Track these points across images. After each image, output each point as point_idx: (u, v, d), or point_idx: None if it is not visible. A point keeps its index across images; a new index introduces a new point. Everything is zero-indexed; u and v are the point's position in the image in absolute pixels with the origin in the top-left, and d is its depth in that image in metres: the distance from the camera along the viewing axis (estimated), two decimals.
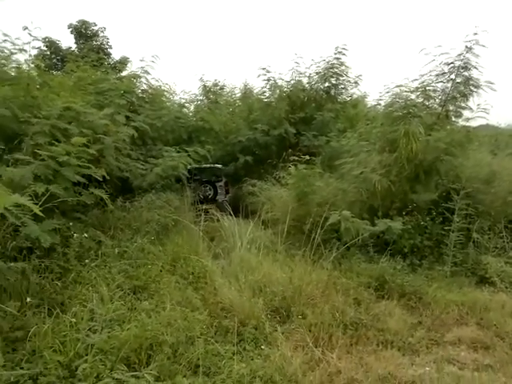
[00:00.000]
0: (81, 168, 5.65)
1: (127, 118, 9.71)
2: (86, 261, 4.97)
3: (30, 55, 7.57)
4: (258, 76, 13.68)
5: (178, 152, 9.39)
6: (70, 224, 5.34)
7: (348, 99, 14.68)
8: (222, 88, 19.67)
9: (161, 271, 5.65)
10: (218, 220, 8.61)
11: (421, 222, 7.26)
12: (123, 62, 21.53)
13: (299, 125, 13.38)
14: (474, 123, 8.60)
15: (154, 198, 7.62)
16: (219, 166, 12.56)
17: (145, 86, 11.77)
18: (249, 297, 4.95)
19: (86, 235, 5.30)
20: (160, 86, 12.36)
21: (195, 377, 3.47)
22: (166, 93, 12.90)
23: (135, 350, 3.57)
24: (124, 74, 11.09)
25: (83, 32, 25.27)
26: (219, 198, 11.60)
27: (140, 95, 11.18)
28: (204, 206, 10.70)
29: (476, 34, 7.82)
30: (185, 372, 3.49)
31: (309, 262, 6.39)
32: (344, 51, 13.35)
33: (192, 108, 16.63)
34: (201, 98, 18.52)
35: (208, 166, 12.22)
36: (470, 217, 7.31)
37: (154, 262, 5.81)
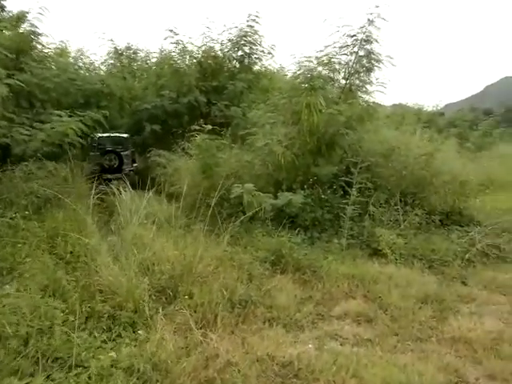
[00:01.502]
0: None
1: (10, 76, 8.52)
2: None
3: None
4: (165, 38, 12.84)
5: (70, 117, 8.44)
6: None
7: (262, 70, 14.37)
8: (135, 52, 18.31)
9: (34, 250, 4.98)
10: (119, 192, 7.93)
11: (322, 195, 7.26)
12: (21, 16, 19.13)
13: (211, 94, 12.88)
14: (387, 101, 8.81)
15: (33, 167, 6.72)
16: (125, 135, 11.78)
17: (34, 43, 10.45)
18: (131, 277, 4.50)
19: None
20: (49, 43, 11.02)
21: (43, 373, 2.99)
22: (59, 51, 11.58)
23: None
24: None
25: None
26: (125, 168, 10.88)
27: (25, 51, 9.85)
28: (108, 176, 9.97)
29: (378, 6, 7.84)
30: (30, 368, 2.99)
31: (208, 237, 6.09)
32: (257, 19, 12.96)
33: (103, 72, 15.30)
34: (112, 61, 17.10)
35: (113, 135, 11.43)
36: (369, 190, 7.46)
37: (26, 240, 5.11)
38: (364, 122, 8.38)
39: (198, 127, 8.11)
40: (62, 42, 12.31)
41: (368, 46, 8.44)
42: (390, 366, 3.41)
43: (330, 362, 3.44)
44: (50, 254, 5.06)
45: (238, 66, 13.75)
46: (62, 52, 13.42)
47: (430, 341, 3.94)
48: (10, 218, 5.41)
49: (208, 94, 12.79)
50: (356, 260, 5.93)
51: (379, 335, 4.00)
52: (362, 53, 8.52)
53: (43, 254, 4.92)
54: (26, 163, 6.89)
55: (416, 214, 7.13)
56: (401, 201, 7.47)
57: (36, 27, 10.02)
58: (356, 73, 8.76)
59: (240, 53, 13.60)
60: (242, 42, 13.40)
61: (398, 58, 8.76)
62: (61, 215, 5.90)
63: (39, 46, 10.90)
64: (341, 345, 3.88)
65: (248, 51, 13.62)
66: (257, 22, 13.07)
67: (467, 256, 6.16)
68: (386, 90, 8.38)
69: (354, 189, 6.94)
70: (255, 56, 13.77)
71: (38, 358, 3.14)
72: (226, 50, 13.57)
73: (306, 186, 7.34)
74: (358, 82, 8.84)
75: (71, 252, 5.12)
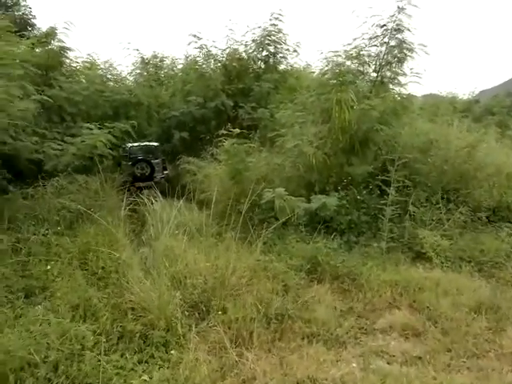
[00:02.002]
0: None
1: (40, 92, 8.65)
2: None
3: None
4: (189, 44, 12.75)
5: (100, 129, 8.47)
6: None
7: (289, 69, 14.07)
8: (161, 60, 18.44)
9: (66, 267, 4.92)
10: (150, 202, 7.88)
11: (357, 196, 6.91)
12: (50, 33, 19.66)
13: (238, 96, 12.69)
14: (418, 92, 8.37)
15: (65, 182, 6.73)
16: (155, 143, 11.85)
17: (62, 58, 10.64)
18: (163, 292, 4.35)
19: None
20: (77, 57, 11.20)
21: None
22: (88, 64, 11.72)
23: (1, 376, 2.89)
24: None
25: (2, 1, 22.75)
26: (156, 176, 10.93)
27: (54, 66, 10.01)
28: (141, 185, 10.02)
29: None
30: None
31: (240, 245, 5.89)
32: (280, 17, 12.66)
33: (133, 83, 15.45)
34: (138, 71, 17.29)
35: (144, 144, 11.52)
36: (407, 188, 7.06)
37: (59, 257, 5.08)
38: (399, 115, 7.96)
39: (225, 132, 7.91)
40: (89, 55, 12.41)
41: (399, 36, 8.03)
42: None
43: None
44: (82, 271, 4.99)
45: (263, 66, 13.51)
46: (92, 65, 13.60)
47: (488, 356, 3.58)
48: (43, 235, 5.39)
49: (234, 96, 12.61)
50: (398, 265, 5.55)
51: (430, 351, 3.67)
52: (392, 43, 8.11)
53: (75, 271, 4.85)
54: (57, 178, 6.91)
55: (460, 212, 6.66)
56: (443, 198, 7.01)
57: (63, 42, 10.15)
58: (387, 64, 8.36)
59: (265, 53, 13.35)
60: (267, 42, 13.15)
61: (431, 46, 8.27)
62: (92, 230, 5.83)
63: (67, 61, 11.09)
64: (388, 363, 3.58)
65: (273, 51, 13.36)
66: (280, 21, 12.79)
67: None
68: (421, 80, 7.93)
69: (391, 188, 6.56)
70: (280, 55, 13.48)
71: None
72: (250, 51, 13.34)
73: (339, 188, 7.02)
74: (389, 73, 8.43)
75: (103, 267, 5.03)
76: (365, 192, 7.01)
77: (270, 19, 12.70)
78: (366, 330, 4.16)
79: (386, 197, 6.59)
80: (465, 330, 3.94)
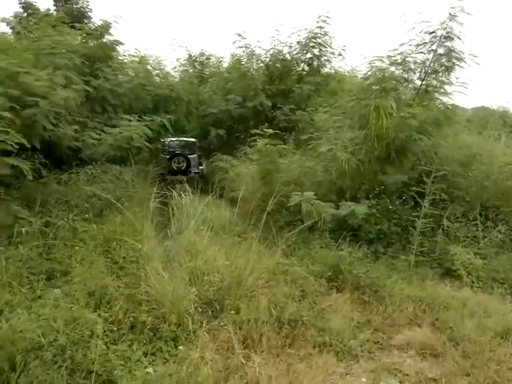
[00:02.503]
0: None
1: (87, 82, 8.96)
2: None
3: None
4: (234, 43, 12.80)
5: (139, 121, 8.67)
6: None
7: (332, 72, 13.85)
8: (208, 58, 18.71)
9: (90, 253, 5.03)
10: (180, 196, 7.97)
11: (389, 206, 6.66)
12: (105, 26, 20.41)
13: (277, 97, 12.63)
14: (468, 104, 7.98)
15: (99, 170, 6.91)
16: (192, 139, 12.06)
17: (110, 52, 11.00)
18: (178, 287, 4.35)
19: None
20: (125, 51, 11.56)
21: None
22: (136, 58, 12.06)
23: (9, 354, 2.96)
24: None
25: None
26: (192, 170, 11.20)
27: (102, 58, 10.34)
28: (176, 178, 10.24)
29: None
30: (61, 381, 2.89)
31: (263, 246, 5.83)
32: (327, 20, 12.47)
33: (177, 79, 15.79)
34: (185, 68, 17.64)
35: (181, 139, 11.76)
36: (443, 202, 6.74)
37: (85, 243, 5.20)
38: (441, 126, 7.61)
39: (259, 132, 7.86)
40: (136, 49, 12.77)
41: (448, 43, 7.65)
42: None
43: None
44: (105, 258, 5.08)
45: (306, 68, 13.37)
46: (141, 60, 13.96)
47: None
48: (71, 221, 5.53)
49: (274, 97, 12.56)
50: (425, 281, 5.29)
51: (447, 374, 3.44)
52: (441, 51, 7.75)
53: (98, 258, 4.95)
54: (90, 166, 7.11)
55: (499, 231, 6.27)
56: (481, 215, 6.63)
57: (112, 35, 10.49)
58: (433, 72, 8.00)
59: (309, 55, 13.20)
60: (311, 44, 13.00)
61: (483, 56, 7.82)
62: (118, 219, 5.94)
63: (115, 54, 11.44)
64: (400, 382, 3.40)
65: (317, 53, 13.18)
66: (327, 23, 12.60)
67: None
68: (468, 91, 7.54)
69: (426, 200, 6.27)
70: (324, 58, 13.28)
71: (73, 370, 3.08)
72: (294, 53, 13.23)
73: (371, 196, 6.80)
74: (435, 82, 8.07)
75: (124, 257, 5.09)
76: (397, 202, 6.75)
77: (317, 21, 12.55)
78: (381, 344, 3.97)
79: (419, 209, 6.32)
80: (488, 355, 3.67)
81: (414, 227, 6.11)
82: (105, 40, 10.98)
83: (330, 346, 3.84)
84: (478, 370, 3.50)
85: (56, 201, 5.93)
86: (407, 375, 3.47)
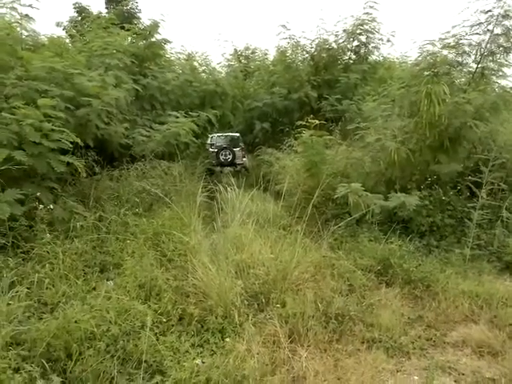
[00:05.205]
0: (53, 132, 5.21)
1: (136, 81, 9.25)
2: (48, 234, 4.53)
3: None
4: (278, 34, 12.65)
5: (185, 117, 8.84)
6: (38, 194, 4.92)
7: (380, 59, 13.40)
8: (253, 52, 18.75)
9: (141, 247, 5.19)
10: (226, 190, 8.05)
11: (442, 197, 6.36)
12: (154, 26, 20.95)
13: (323, 88, 12.39)
14: None
15: (148, 166, 7.11)
16: (237, 134, 12.40)
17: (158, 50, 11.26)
18: (224, 280, 4.39)
19: (51, 206, 4.89)
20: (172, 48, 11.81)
21: (126, 377, 2.99)
22: (184, 56, 12.31)
23: (65, 344, 3.12)
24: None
25: None
26: (237, 162, 11.72)
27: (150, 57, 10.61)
28: (224, 169, 11.14)
29: None
30: (114, 371, 3.01)
31: (309, 239, 5.77)
32: (375, 5, 12.01)
33: (223, 74, 15.97)
34: (231, 62, 17.79)
35: (226, 134, 12.45)
36: (503, 192, 6.34)
37: (135, 237, 5.38)
38: (499, 111, 7.13)
39: (304, 123, 7.75)
40: (183, 46, 13.03)
41: (507, 22, 7.13)
42: None
43: None
44: (155, 251, 5.22)
45: (353, 57, 13.02)
46: (189, 57, 14.21)
47: None
48: (123, 215, 5.73)
49: (320, 88, 12.34)
50: (482, 275, 5.00)
51: (506, 374, 3.23)
52: (498, 30, 7.24)
53: (148, 251, 5.09)
54: (139, 163, 7.34)
55: None
56: None
57: (160, 34, 10.73)
58: (490, 54, 7.49)
59: (356, 43, 12.84)
60: (358, 32, 12.62)
61: None
62: (167, 213, 6.09)
63: (162, 52, 11.71)
64: (455, 381, 3.23)
65: (364, 40, 12.78)
66: (375, 9, 12.15)
67: None
68: None
69: (483, 190, 5.93)
70: (372, 45, 12.86)
71: (125, 359, 3.20)
72: (340, 42, 12.91)
73: (422, 187, 6.52)
74: (492, 64, 7.56)
75: (173, 250, 5.21)
76: (451, 193, 6.44)
77: (364, 7, 12.15)
78: (434, 341, 3.80)
79: (475, 200, 5.98)
80: None
81: (470, 219, 5.80)
82: (153, 39, 11.28)
83: (380, 342, 3.73)
84: None
85: (108, 196, 6.16)
86: (463, 374, 3.30)
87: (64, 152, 5.52)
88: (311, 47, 12.98)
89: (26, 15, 8.21)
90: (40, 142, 5.05)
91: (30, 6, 7.82)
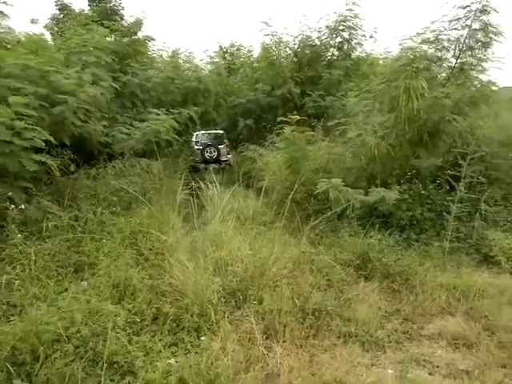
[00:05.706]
0: (26, 131, 5.09)
1: (116, 79, 9.12)
2: (19, 235, 4.42)
3: None
4: (260, 30, 12.57)
5: (167, 114, 8.74)
6: (10, 193, 4.80)
7: (363, 55, 13.41)
8: (238, 49, 18.63)
9: (117, 246, 5.09)
10: (207, 187, 7.97)
11: (422, 191, 6.37)
12: (137, 23, 20.70)
13: (307, 84, 12.37)
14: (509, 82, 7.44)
15: (126, 164, 7.01)
16: (221, 131, 12.39)
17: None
18: (200, 277, 4.33)
19: (23, 206, 4.77)
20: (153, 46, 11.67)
21: (95, 378, 2.92)
22: (162, 51, 12.18)
23: (31, 347, 3.03)
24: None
25: None
26: (221, 158, 11.80)
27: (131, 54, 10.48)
28: (208, 166, 11.08)
29: None
30: (82, 373, 2.93)
31: (289, 235, 5.74)
32: (357, 1, 12.02)
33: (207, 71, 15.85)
34: (216, 60, 17.64)
35: (211, 132, 12.49)
36: (481, 185, 6.38)
37: (112, 236, 5.28)
38: (478, 105, 7.17)
39: (285, 119, 7.71)
40: (165, 43, 12.90)
41: (484, 17, 7.16)
42: None
43: None
44: (132, 250, 5.13)
45: (336, 53, 13.03)
46: (174, 54, 14.05)
47: None
48: (100, 214, 5.63)
49: (303, 84, 12.32)
50: (460, 268, 5.02)
51: (480, 366, 3.25)
52: (476, 26, 7.28)
53: (124, 250, 5.00)
54: (117, 161, 7.23)
55: None
56: None
57: (141, 31, 10.62)
58: (469, 49, 7.53)
59: (338, 39, 12.85)
60: (341, 28, 12.62)
61: None
62: (145, 211, 6.00)
63: (144, 49, 11.57)
64: (429, 374, 3.23)
65: (347, 37, 12.80)
66: (357, 5, 12.16)
67: None
68: (508, 66, 7.04)
69: (461, 183, 5.95)
70: (355, 41, 12.88)
71: (94, 361, 3.12)
72: (323, 38, 12.89)
73: (402, 181, 6.52)
74: (471, 59, 7.60)
75: (150, 249, 5.14)
76: (431, 187, 6.45)
77: (346, 4, 12.15)
78: (410, 334, 3.80)
79: (454, 193, 6.00)
80: None
81: (449, 212, 5.81)
82: (136, 37, 11.15)
83: (356, 336, 3.71)
84: None
85: (85, 195, 6.05)
86: (437, 367, 3.29)
87: (38, 151, 5.40)
88: (294, 44, 12.97)
89: (1, 12, 8.06)
90: (11, 141, 4.92)
91: (4, 2, 7.70)
